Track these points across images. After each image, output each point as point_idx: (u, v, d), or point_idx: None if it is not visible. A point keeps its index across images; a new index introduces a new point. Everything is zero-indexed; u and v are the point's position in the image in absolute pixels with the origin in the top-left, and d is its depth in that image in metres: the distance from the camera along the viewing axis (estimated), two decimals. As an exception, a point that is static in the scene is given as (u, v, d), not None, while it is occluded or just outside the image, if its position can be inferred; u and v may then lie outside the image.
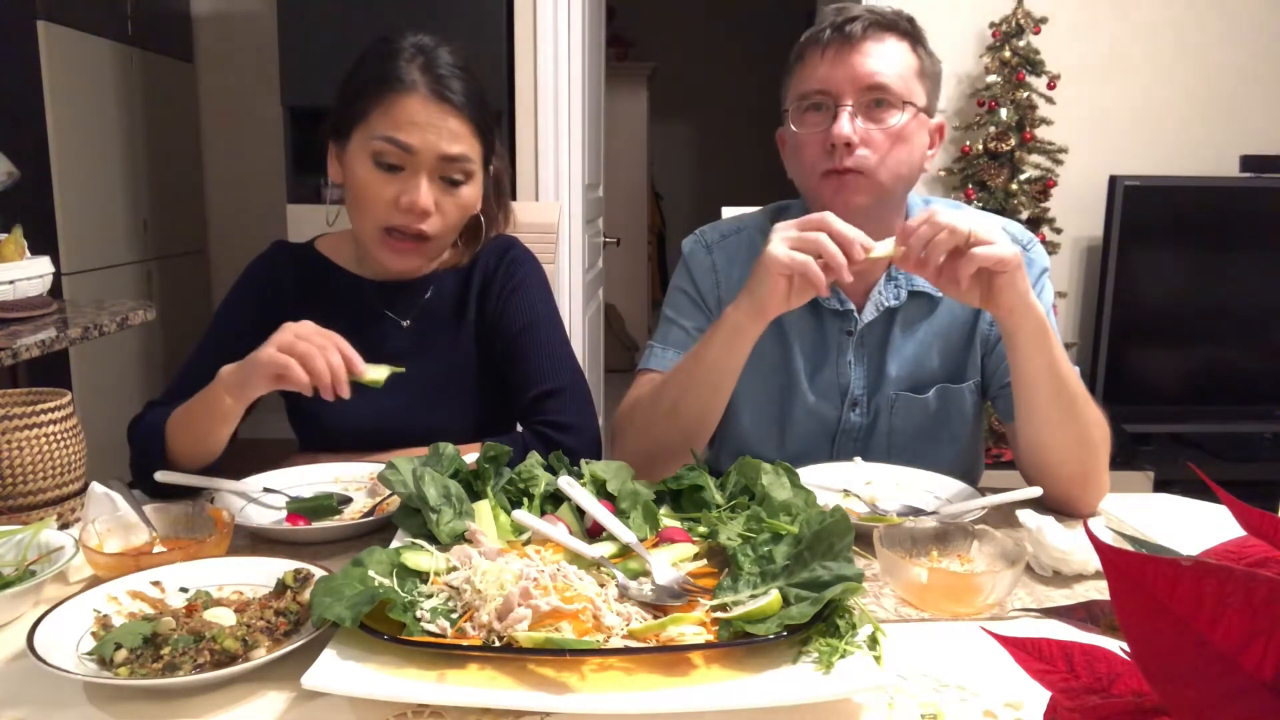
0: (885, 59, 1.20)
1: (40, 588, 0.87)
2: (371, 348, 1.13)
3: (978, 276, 1.04)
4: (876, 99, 1.20)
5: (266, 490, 1.16)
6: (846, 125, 1.18)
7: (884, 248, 1.05)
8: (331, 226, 1.40)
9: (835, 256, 1.03)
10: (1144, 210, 2.93)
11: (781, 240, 1.06)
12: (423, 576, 0.83)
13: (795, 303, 1.08)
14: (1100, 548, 0.35)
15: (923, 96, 1.23)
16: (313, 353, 1.04)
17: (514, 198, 3.04)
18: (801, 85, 1.24)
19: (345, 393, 1.06)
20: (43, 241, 2.87)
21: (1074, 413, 1.11)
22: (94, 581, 0.90)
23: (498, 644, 0.73)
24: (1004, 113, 3.01)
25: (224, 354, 1.25)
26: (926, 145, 1.26)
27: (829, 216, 1.05)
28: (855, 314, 1.30)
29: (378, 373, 1.09)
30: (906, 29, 1.23)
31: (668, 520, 0.97)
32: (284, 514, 1.09)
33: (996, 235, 1.03)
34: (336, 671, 0.70)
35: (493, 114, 1.30)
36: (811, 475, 1.16)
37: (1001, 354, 1.25)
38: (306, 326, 1.08)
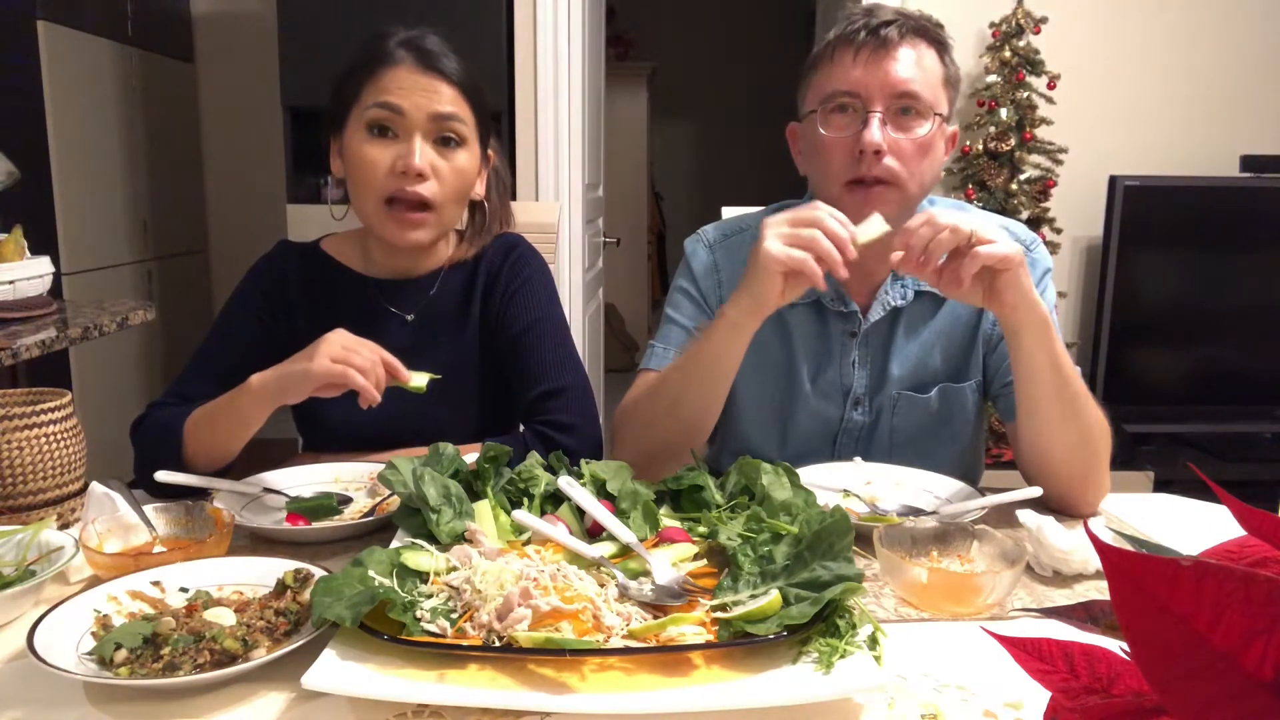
0: (918, 66, 1.19)
1: (40, 588, 0.87)
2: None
3: (980, 275, 1.04)
4: (906, 107, 1.18)
5: (266, 490, 1.16)
6: (877, 133, 1.17)
7: (871, 229, 1.06)
8: (340, 220, 1.40)
9: (831, 254, 1.03)
10: (1144, 210, 2.93)
11: (775, 236, 1.06)
12: (423, 576, 0.83)
13: (790, 297, 1.09)
14: (1100, 548, 0.35)
15: (946, 105, 1.22)
16: (367, 366, 1.07)
17: (514, 198, 3.06)
18: (830, 85, 1.21)
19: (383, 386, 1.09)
20: (43, 241, 2.87)
21: (1076, 411, 1.12)
22: (94, 581, 0.90)
23: (498, 644, 0.73)
24: (1004, 113, 3.01)
25: (230, 353, 1.25)
26: (944, 153, 1.25)
27: (820, 213, 1.05)
28: (859, 315, 1.30)
29: (420, 379, 1.13)
30: (937, 36, 1.22)
31: (668, 520, 0.97)
32: (284, 514, 1.09)
33: (998, 234, 1.03)
34: (336, 671, 0.70)
35: (484, 92, 1.31)
36: (811, 475, 1.16)
37: (1004, 353, 1.25)
38: (349, 336, 1.10)
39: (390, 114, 1.22)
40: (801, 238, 1.04)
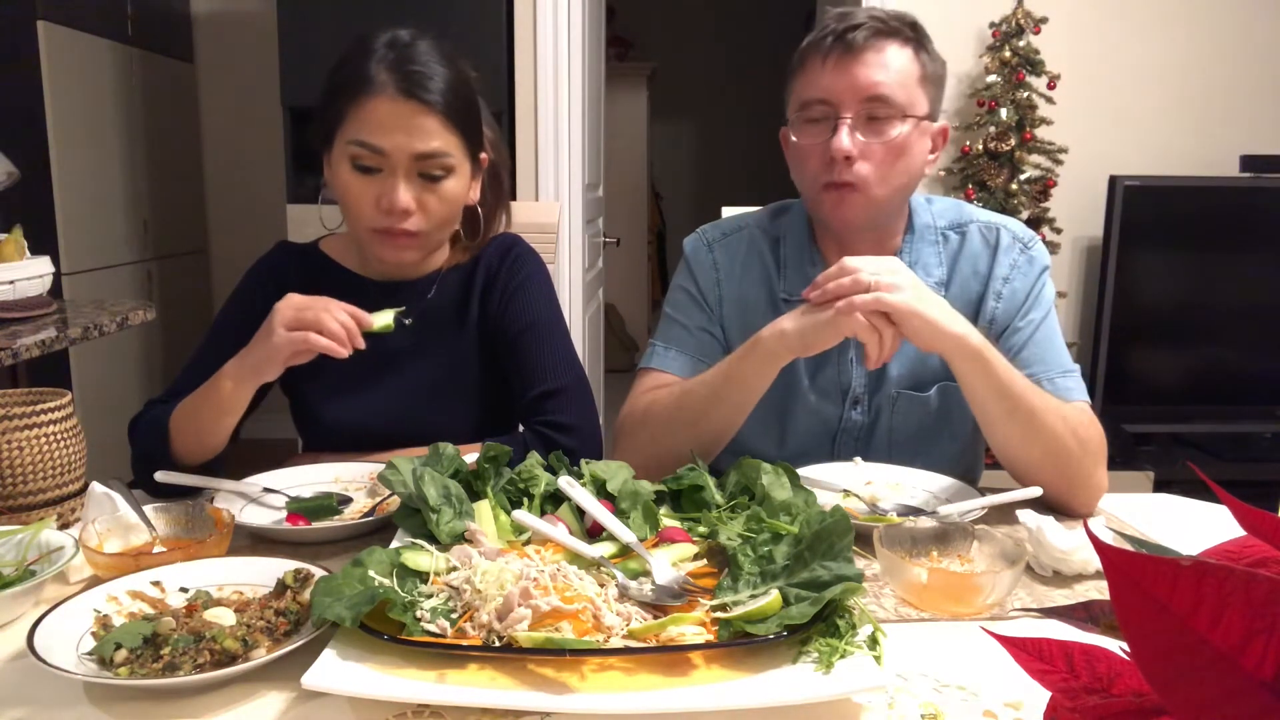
0: (887, 68, 1.19)
1: (40, 588, 0.87)
2: (373, 346, 1.14)
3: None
4: (876, 110, 1.19)
5: (266, 490, 1.16)
6: (846, 139, 1.19)
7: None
8: (337, 229, 1.40)
9: (893, 352, 1.09)
10: (1144, 210, 2.93)
11: (863, 311, 1.08)
12: (423, 576, 0.83)
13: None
14: (1100, 548, 0.35)
15: (924, 104, 1.22)
16: (322, 318, 1.08)
17: (514, 197, 3.06)
18: (803, 93, 1.24)
19: (360, 343, 1.11)
20: (43, 241, 2.87)
21: (1033, 430, 1.12)
22: (94, 581, 0.90)
23: (498, 644, 0.73)
24: (1004, 113, 3.01)
25: (228, 353, 1.26)
26: (929, 150, 1.26)
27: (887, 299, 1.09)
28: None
29: (384, 318, 1.14)
30: (909, 35, 1.22)
31: (668, 520, 0.97)
32: (284, 514, 1.09)
33: (901, 283, 1.06)
34: (336, 671, 0.70)
35: (475, 105, 1.28)
36: (811, 475, 1.16)
37: (1002, 350, 1.25)
38: (297, 299, 1.11)
39: (372, 154, 1.20)
40: (878, 325, 1.07)
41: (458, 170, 1.25)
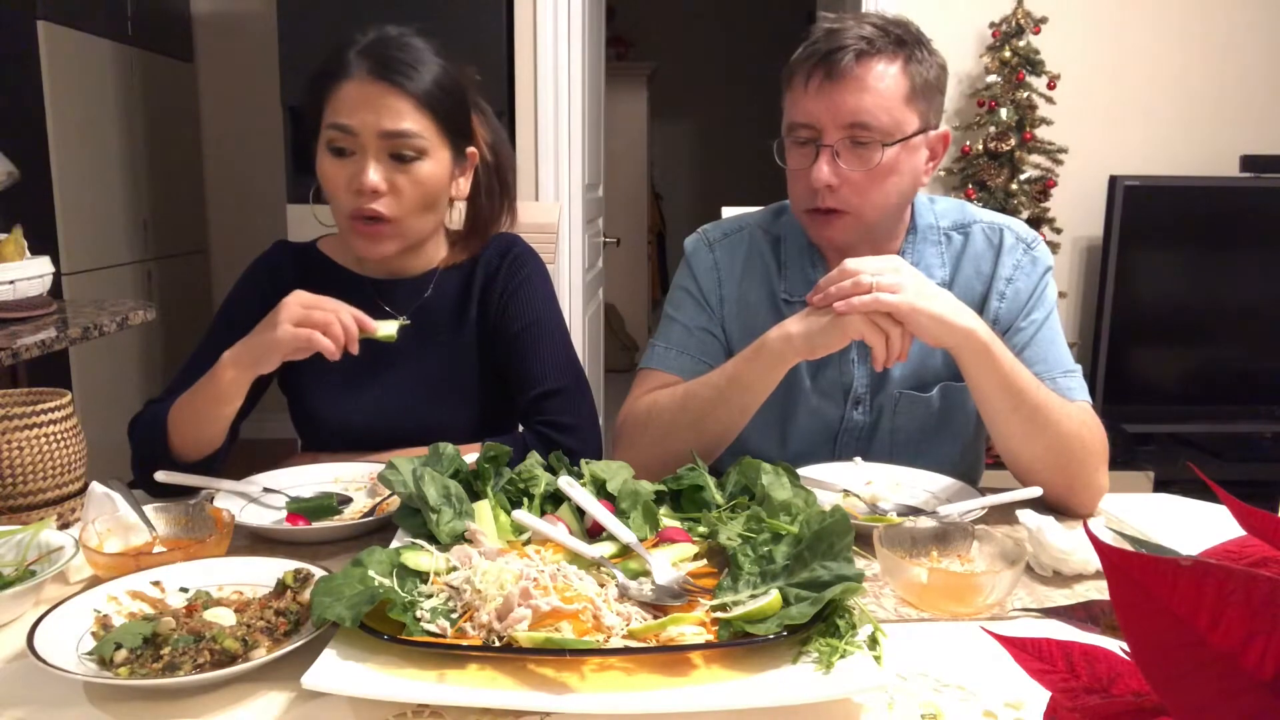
0: (870, 92, 1.17)
1: (40, 588, 0.87)
2: (371, 345, 1.14)
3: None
4: (860, 136, 1.18)
5: (266, 490, 1.16)
6: (825, 169, 1.19)
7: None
8: (329, 224, 1.41)
9: (898, 353, 1.09)
10: (1144, 210, 2.93)
11: (862, 313, 1.08)
12: (423, 576, 0.83)
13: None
14: (1100, 548, 0.35)
15: (914, 121, 1.20)
16: (330, 320, 1.09)
17: (514, 197, 3.05)
18: (789, 114, 1.24)
19: (355, 349, 1.12)
20: (43, 241, 2.87)
21: (1037, 426, 1.12)
22: (94, 581, 0.90)
23: (498, 644, 0.73)
24: (1004, 113, 3.02)
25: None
26: (924, 160, 1.25)
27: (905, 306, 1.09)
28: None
29: (388, 328, 1.15)
30: (895, 49, 1.19)
31: (668, 520, 0.97)
32: (284, 514, 1.09)
33: (903, 282, 1.07)
34: (336, 671, 0.70)
35: (460, 97, 1.28)
36: (812, 475, 1.16)
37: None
38: (307, 296, 1.12)
39: (343, 134, 1.21)
40: (885, 326, 1.08)
41: (432, 155, 1.25)
